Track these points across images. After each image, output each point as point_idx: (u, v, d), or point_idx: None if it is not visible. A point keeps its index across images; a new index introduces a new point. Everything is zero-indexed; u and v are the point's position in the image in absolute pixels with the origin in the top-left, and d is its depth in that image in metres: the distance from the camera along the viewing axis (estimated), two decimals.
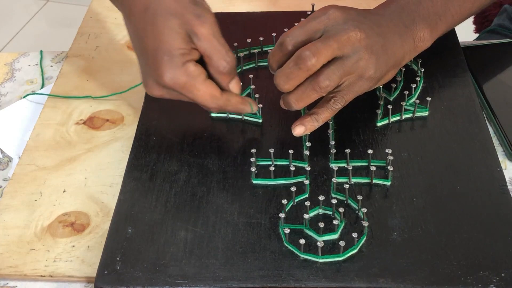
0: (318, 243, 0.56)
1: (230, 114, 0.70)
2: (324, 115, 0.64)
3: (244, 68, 0.76)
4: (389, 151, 0.64)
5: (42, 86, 0.80)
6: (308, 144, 0.65)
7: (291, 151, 0.64)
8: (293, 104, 0.62)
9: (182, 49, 0.61)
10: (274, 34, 0.77)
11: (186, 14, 0.61)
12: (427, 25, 0.67)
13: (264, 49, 0.78)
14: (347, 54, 0.62)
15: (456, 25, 0.73)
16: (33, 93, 0.78)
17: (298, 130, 0.64)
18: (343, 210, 0.59)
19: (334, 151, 0.65)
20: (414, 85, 0.71)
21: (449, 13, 0.69)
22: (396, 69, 0.66)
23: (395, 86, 0.71)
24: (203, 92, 0.62)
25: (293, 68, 0.61)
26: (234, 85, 0.64)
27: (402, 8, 0.67)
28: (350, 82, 0.63)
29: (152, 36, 0.61)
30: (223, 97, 0.64)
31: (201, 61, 0.63)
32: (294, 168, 0.63)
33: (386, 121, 0.69)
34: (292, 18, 0.78)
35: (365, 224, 0.58)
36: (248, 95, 0.72)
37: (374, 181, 0.63)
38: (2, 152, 0.73)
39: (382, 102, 0.69)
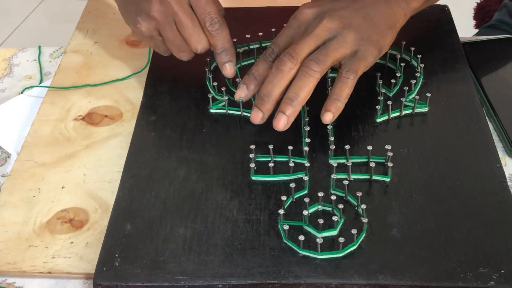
0: (318, 240, 0.56)
1: (230, 110, 0.70)
2: (343, 91, 0.63)
3: (243, 63, 0.76)
4: (388, 147, 0.64)
5: (41, 82, 0.80)
6: (308, 140, 0.65)
7: (290, 147, 0.64)
8: (296, 97, 0.62)
9: None
10: (273, 30, 0.77)
11: None
12: None
13: (264, 44, 0.78)
14: (328, 38, 0.64)
15: None
16: (31, 86, 0.78)
17: (327, 117, 0.63)
18: (343, 206, 0.59)
19: (334, 147, 0.65)
20: (413, 81, 0.71)
21: None
22: (393, 30, 0.67)
23: (394, 82, 0.71)
24: (192, 25, 0.66)
25: (276, 73, 0.63)
26: (227, 68, 0.69)
27: None
28: (350, 57, 0.64)
29: None
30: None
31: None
32: (293, 164, 0.63)
33: (385, 117, 0.69)
34: (292, 13, 0.78)
35: (365, 220, 0.58)
36: None
37: (374, 177, 0.63)
38: (0, 148, 0.72)
39: (381, 98, 0.69)
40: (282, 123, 0.63)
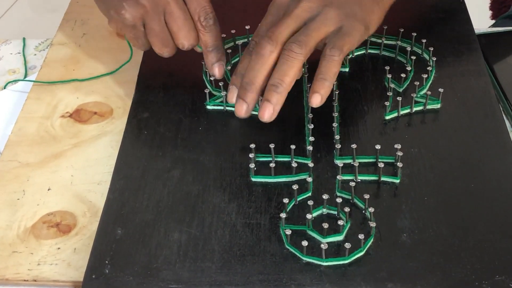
0: (322, 245, 0.56)
1: (228, 106, 0.70)
2: (330, 70, 0.62)
3: (232, 62, 0.76)
4: (398, 146, 0.64)
5: (25, 76, 0.80)
6: (311, 139, 0.65)
7: (293, 147, 0.64)
8: (280, 83, 0.62)
9: None
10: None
11: None
12: None
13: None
14: (309, 18, 0.64)
15: None
16: (15, 80, 0.78)
17: (315, 99, 0.62)
18: (349, 209, 0.59)
19: (339, 146, 0.65)
20: (425, 76, 0.71)
21: None
22: (380, 6, 0.67)
23: (405, 76, 0.71)
24: (184, 18, 0.66)
25: (256, 58, 0.63)
26: (216, 68, 0.69)
27: None
28: (334, 34, 0.63)
29: None
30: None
31: None
32: (296, 165, 0.63)
33: (395, 114, 0.69)
34: None
35: (373, 224, 0.58)
36: None
37: (382, 178, 0.63)
38: None
39: (391, 94, 0.69)
40: (268, 113, 0.62)
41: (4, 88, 0.78)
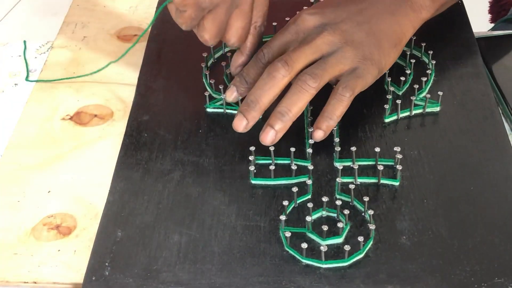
0: (322, 248, 0.56)
1: (228, 109, 0.70)
2: (337, 109, 0.63)
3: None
4: (397, 149, 0.64)
5: (27, 79, 0.80)
6: (311, 141, 0.65)
7: (292, 149, 0.64)
8: (287, 112, 0.62)
9: None
10: (274, 24, 0.77)
11: None
12: None
13: (264, 39, 0.78)
14: (327, 53, 0.64)
15: None
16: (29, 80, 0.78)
17: (317, 135, 0.64)
18: (348, 212, 0.59)
19: (339, 149, 0.65)
20: (424, 79, 0.71)
21: None
22: (398, 47, 0.67)
23: (404, 79, 0.71)
24: (247, 17, 0.65)
25: (267, 79, 0.63)
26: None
27: None
28: (348, 74, 0.64)
29: None
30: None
31: None
32: (295, 167, 0.63)
33: (394, 117, 0.69)
34: (294, 7, 0.79)
35: (372, 227, 0.58)
36: None
37: (382, 181, 0.63)
38: None
39: (390, 97, 0.70)
40: (270, 138, 0.63)
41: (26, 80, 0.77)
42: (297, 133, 0.67)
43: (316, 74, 0.63)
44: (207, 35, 0.65)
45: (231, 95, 0.68)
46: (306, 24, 0.67)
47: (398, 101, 0.68)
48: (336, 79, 0.65)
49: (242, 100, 0.67)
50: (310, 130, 0.66)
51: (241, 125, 0.64)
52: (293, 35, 0.67)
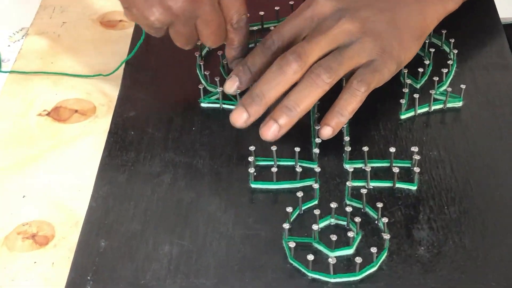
0: (330, 260, 0.56)
1: (224, 104, 0.70)
2: (349, 105, 0.63)
3: None
4: (415, 149, 0.64)
5: None
6: (318, 140, 0.65)
7: (297, 149, 0.64)
8: (295, 107, 0.62)
9: None
10: (277, 8, 0.77)
11: None
12: None
13: (265, 25, 0.78)
14: (344, 44, 0.64)
15: None
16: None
17: (325, 132, 0.64)
18: (360, 220, 0.59)
19: (349, 149, 0.65)
20: (445, 70, 0.71)
21: None
22: (420, 40, 0.67)
23: (422, 71, 0.71)
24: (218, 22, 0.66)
25: (277, 73, 0.63)
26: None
27: None
28: (364, 66, 0.64)
29: None
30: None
31: None
32: (301, 170, 0.63)
33: (411, 113, 0.69)
34: None
35: (386, 236, 0.58)
36: None
37: (397, 185, 0.63)
38: None
39: (407, 91, 0.70)
40: (272, 133, 0.63)
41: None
42: (302, 131, 0.67)
43: (331, 69, 0.62)
44: (178, 44, 0.68)
45: (232, 86, 0.67)
46: (322, 9, 0.66)
47: (416, 95, 0.68)
48: (350, 74, 0.65)
49: (241, 94, 0.67)
50: (317, 128, 0.66)
51: (240, 119, 0.64)
52: (306, 21, 0.66)
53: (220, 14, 0.66)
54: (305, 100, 0.62)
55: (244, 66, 0.67)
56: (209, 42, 0.68)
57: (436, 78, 0.70)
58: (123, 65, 0.76)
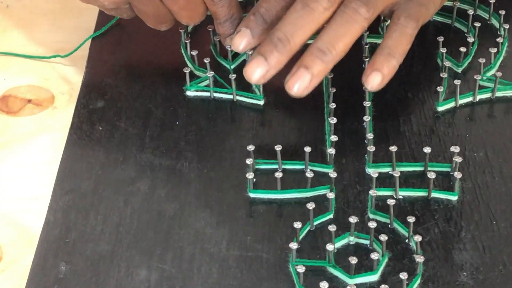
0: None
1: (216, 92, 0.70)
2: (400, 44, 0.64)
3: None
4: (456, 149, 0.64)
5: None
6: (334, 138, 0.65)
7: (307, 149, 0.64)
8: (330, 49, 0.62)
9: None
10: None
11: None
12: None
13: None
14: None
15: None
16: None
17: (374, 80, 0.63)
18: (386, 238, 0.59)
19: (373, 149, 0.65)
20: (494, 50, 0.71)
21: None
22: None
23: (465, 51, 0.71)
24: None
25: (302, 11, 0.62)
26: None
27: None
28: (406, 2, 0.65)
29: None
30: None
31: None
32: (312, 175, 0.63)
33: (451, 104, 0.69)
34: None
35: (420, 259, 0.58)
36: (244, 64, 0.72)
37: (433, 194, 0.63)
38: None
39: (445, 76, 0.70)
40: (302, 85, 0.62)
41: None
42: (314, 126, 0.67)
43: (369, 1, 0.62)
44: (149, 24, 0.70)
45: (241, 41, 0.66)
46: None
47: (457, 82, 0.68)
48: (389, 10, 0.66)
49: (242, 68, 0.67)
50: (332, 122, 0.66)
51: (258, 71, 0.62)
52: None
53: (154, 6, 0.67)
54: (342, 40, 0.62)
55: (257, 15, 0.66)
56: (183, 20, 0.69)
57: (482, 60, 0.70)
58: (89, 43, 0.76)
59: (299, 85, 0.61)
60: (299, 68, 0.61)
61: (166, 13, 0.68)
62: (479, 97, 0.69)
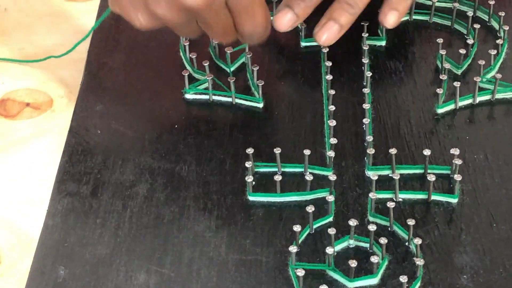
0: None
1: (215, 95, 0.70)
2: None
3: None
4: (455, 151, 0.64)
5: None
6: (333, 140, 0.65)
7: (307, 152, 0.64)
8: (356, 2, 0.66)
9: None
10: None
11: None
12: None
13: None
14: None
15: None
16: None
17: (391, 18, 0.68)
18: (386, 241, 0.59)
19: (373, 151, 0.65)
20: (493, 52, 0.71)
21: None
22: None
23: (465, 52, 0.71)
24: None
25: None
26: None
27: None
28: None
29: None
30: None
31: None
32: (311, 178, 0.64)
33: (451, 106, 0.69)
34: None
35: (420, 262, 0.58)
36: (243, 67, 0.72)
37: (433, 197, 0.63)
38: None
39: (445, 78, 0.70)
40: (331, 35, 0.66)
41: None
42: (313, 129, 0.67)
43: None
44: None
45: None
46: None
47: (457, 84, 0.68)
48: None
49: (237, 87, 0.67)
50: (331, 124, 0.66)
51: (285, 20, 0.66)
52: None
53: (223, 17, 0.64)
54: None
55: None
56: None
57: (482, 62, 0.70)
58: (87, 46, 0.76)
59: (328, 35, 0.66)
60: (328, 20, 0.66)
61: (231, 24, 0.65)
62: (479, 99, 0.69)
